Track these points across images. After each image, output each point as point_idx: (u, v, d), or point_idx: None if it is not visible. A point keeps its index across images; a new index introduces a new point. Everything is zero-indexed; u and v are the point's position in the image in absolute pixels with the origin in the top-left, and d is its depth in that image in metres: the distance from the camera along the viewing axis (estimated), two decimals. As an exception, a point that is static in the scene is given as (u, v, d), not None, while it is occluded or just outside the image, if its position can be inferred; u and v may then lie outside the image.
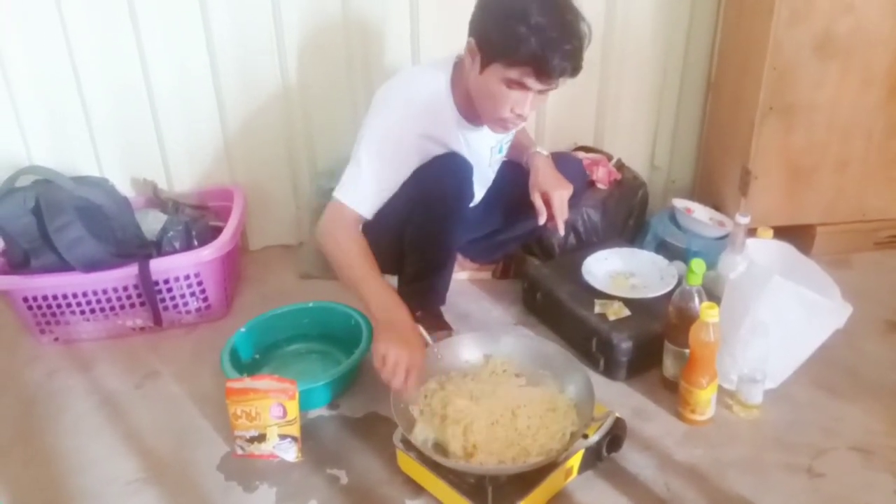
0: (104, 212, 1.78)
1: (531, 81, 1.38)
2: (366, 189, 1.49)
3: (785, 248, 1.59)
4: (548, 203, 1.62)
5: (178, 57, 1.96)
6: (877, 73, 1.87)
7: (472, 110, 1.55)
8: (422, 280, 1.66)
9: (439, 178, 1.53)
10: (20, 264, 1.75)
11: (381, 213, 1.53)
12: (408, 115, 1.51)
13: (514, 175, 1.74)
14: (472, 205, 1.74)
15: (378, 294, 1.41)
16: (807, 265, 1.53)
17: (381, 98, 1.54)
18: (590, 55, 2.03)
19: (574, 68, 1.39)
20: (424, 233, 1.57)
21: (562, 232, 1.64)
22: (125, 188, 2.05)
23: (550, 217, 1.62)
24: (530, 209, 1.63)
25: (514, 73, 1.38)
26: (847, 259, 2.03)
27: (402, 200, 1.52)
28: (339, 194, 1.50)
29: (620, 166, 2.16)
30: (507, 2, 1.38)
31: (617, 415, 1.36)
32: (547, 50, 1.33)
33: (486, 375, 1.46)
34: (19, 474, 1.44)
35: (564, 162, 1.77)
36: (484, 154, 1.69)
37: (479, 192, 1.79)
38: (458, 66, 1.54)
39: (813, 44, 1.81)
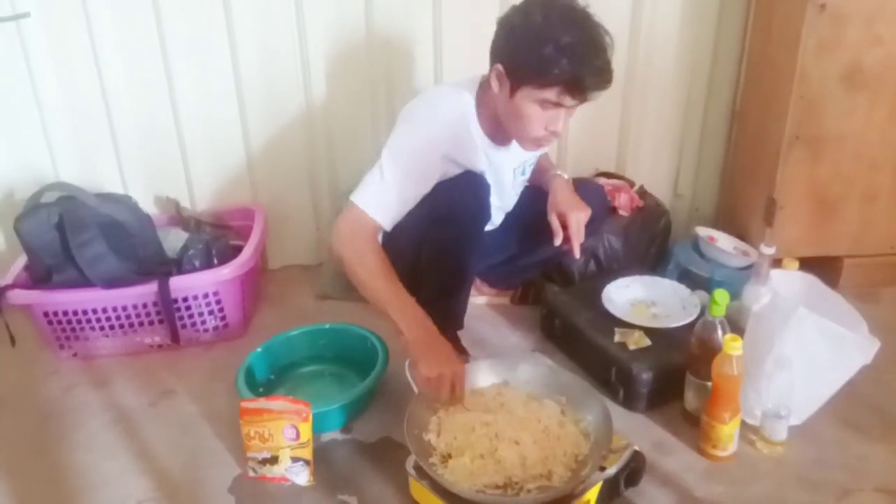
0: (127, 229, 1.80)
1: (566, 100, 1.41)
2: (387, 199, 1.47)
3: (810, 281, 1.55)
4: (564, 225, 1.61)
5: (204, 77, 1.98)
6: (906, 105, 1.84)
7: (497, 130, 1.56)
8: (438, 302, 1.64)
9: (457, 197, 1.52)
10: (42, 279, 1.77)
11: (398, 233, 1.52)
12: (432, 135, 1.51)
13: (534, 200, 1.73)
14: (491, 228, 1.73)
15: (406, 312, 1.41)
16: (833, 298, 1.49)
17: (406, 114, 1.55)
18: (613, 81, 2.06)
19: (606, 81, 1.41)
20: (441, 253, 1.56)
21: (577, 255, 1.62)
22: (148, 206, 2.07)
23: (566, 239, 1.61)
24: (549, 235, 1.62)
25: (548, 94, 1.40)
26: (875, 293, 1.99)
27: (419, 220, 1.51)
28: (359, 201, 1.47)
29: (643, 193, 2.14)
30: (532, 25, 1.39)
31: (636, 447, 1.33)
32: (579, 68, 1.36)
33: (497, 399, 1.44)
34: (32, 490, 1.44)
35: (586, 188, 1.76)
36: (507, 175, 1.68)
37: (500, 215, 1.79)
38: (484, 86, 1.55)
39: (841, 74, 1.79)
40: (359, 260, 1.44)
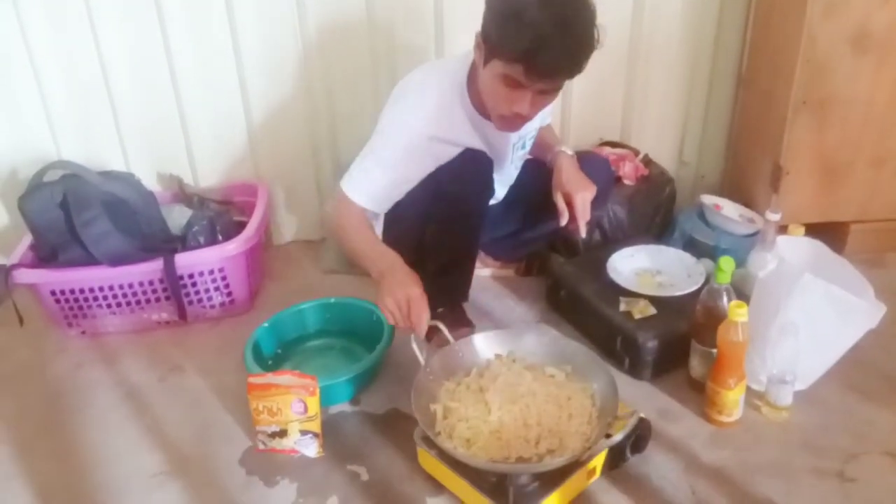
0: (130, 206, 1.80)
1: (523, 79, 1.34)
2: (374, 186, 1.49)
3: (817, 246, 1.55)
4: (570, 204, 1.60)
5: (204, 53, 1.96)
6: (915, 68, 1.81)
7: None
8: (443, 277, 1.65)
9: (460, 174, 1.51)
10: (48, 258, 1.77)
11: (403, 210, 1.53)
12: (419, 119, 1.50)
13: (537, 174, 1.72)
14: (493, 202, 1.72)
15: (374, 252, 1.43)
16: (839, 264, 1.49)
17: (396, 96, 1.55)
18: (617, 48, 2.04)
19: (568, 68, 1.34)
20: (445, 229, 1.56)
21: (583, 234, 1.61)
22: (151, 183, 2.07)
23: (572, 219, 1.60)
24: (553, 209, 1.61)
25: (511, 71, 1.34)
26: (881, 258, 1.98)
27: (423, 197, 1.51)
28: (347, 189, 1.49)
29: (648, 162, 2.12)
30: None
31: (641, 415, 1.33)
32: (539, 48, 1.28)
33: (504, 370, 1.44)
34: (44, 466, 1.46)
35: (591, 162, 1.75)
36: (506, 150, 1.67)
37: (502, 189, 1.78)
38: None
39: (848, 38, 1.76)
40: (342, 229, 1.49)
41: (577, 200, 1.59)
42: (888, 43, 1.77)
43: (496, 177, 1.64)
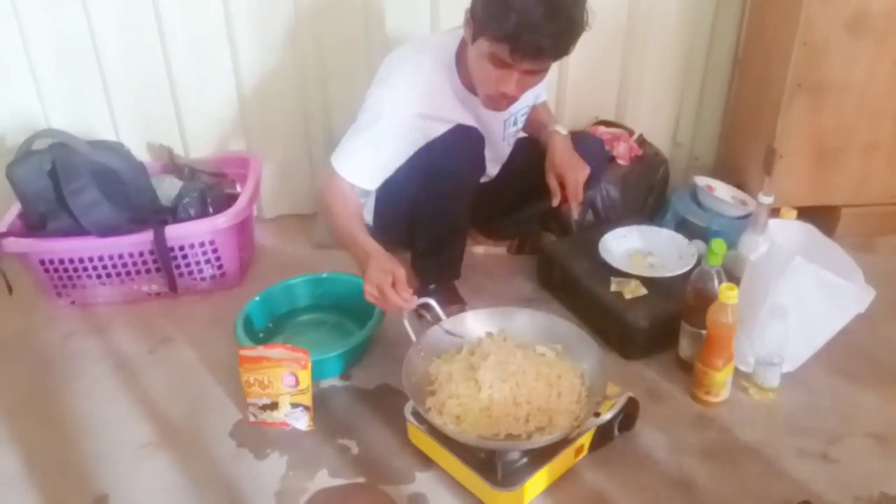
0: (120, 176, 1.78)
1: (508, 59, 1.34)
2: (363, 163, 1.48)
3: (808, 230, 1.55)
4: (563, 185, 1.59)
5: (195, 22, 1.93)
6: (911, 53, 1.81)
7: None
8: (434, 254, 1.65)
9: (450, 151, 1.51)
10: (37, 227, 1.76)
11: (393, 186, 1.52)
12: (406, 95, 1.49)
13: (531, 154, 1.71)
14: (486, 180, 1.72)
15: (356, 245, 1.40)
16: (830, 247, 1.50)
17: (382, 73, 1.53)
18: (614, 28, 2.02)
19: (553, 50, 1.34)
20: (435, 206, 1.56)
21: (576, 215, 1.62)
22: (141, 153, 2.05)
23: (564, 199, 1.60)
24: (546, 188, 1.61)
25: (494, 49, 1.35)
26: (871, 242, 1.99)
27: (414, 173, 1.51)
28: (337, 165, 1.48)
29: (642, 142, 2.12)
30: None
31: (630, 394, 1.35)
32: (523, 27, 1.28)
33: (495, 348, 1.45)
34: (33, 435, 1.46)
35: (584, 142, 1.74)
36: (497, 127, 1.66)
37: (494, 167, 1.77)
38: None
39: (846, 21, 1.76)
40: (329, 210, 1.48)
41: (570, 181, 1.59)
42: (886, 27, 1.77)
43: (488, 154, 1.63)
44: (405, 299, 1.30)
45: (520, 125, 1.74)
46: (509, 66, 1.36)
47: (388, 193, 1.57)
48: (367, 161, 1.48)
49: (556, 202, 1.60)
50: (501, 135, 1.69)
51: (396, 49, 1.57)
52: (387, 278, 1.29)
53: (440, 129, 1.53)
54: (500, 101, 1.47)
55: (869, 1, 1.73)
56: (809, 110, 1.87)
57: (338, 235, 1.47)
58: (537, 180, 1.65)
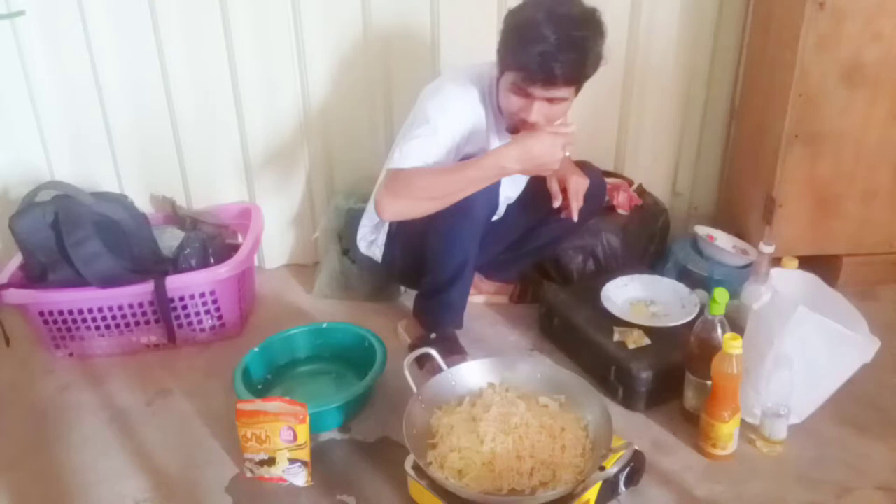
0: (122, 227, 1.79)
1: (524, 86, 1.44)
2: (427, 157, 1.50)
3: (810, 279, 1.55)
4: (564, 189, 1.63)
5: (200, 75, 1.97)
6: (906, 102, 1.83)
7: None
8: (439, 294, 1.64)
9: None
10: (38, 278, 1.75)
11: (407, 223, 1.56)
12: (464, 111, 1.57)
13: (534, 190, 1.74)
14: (496, 219, 1.73)
15: (479, 167, 1.46)
16: (833, 297, 1.49)
17: (432, 89, 1.60)
18: (611, 79, 2.04)
19: (566, 77, 1.43)
20: (446, 240, 1.57)
21: (575, 218, 1.65)
22: (144, 204, 2.06)
23: (565, 203, 1.63)
24: (549, 202, 1.63)
25: (514, 78, 1.46)
26: (874, 291, 1.98)
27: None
28: (402, 163, 1.49)
29: (641, 192, 2.13)
30: (523, 14, 1.46)
31: (636, 447, 1.32)
32: (538, 55, 1.39)
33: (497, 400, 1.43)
34: (28, 488, 1.43)
35: (584, 167, 1.78)
36: None
37: (503, 206, 1.78)
38: None
39: (840, 71, 1.78)
40: (411, 191, 1.49)
41: (571, 184, 1.64)
42: (880, 77, 1.79)
43: (506, 193, 1.67)
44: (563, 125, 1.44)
45: None
46: (528, 94, 1.46)
47: (400, 225, 1.62)
48: (430, 156, 1.50)
49: (556, 204, 1.63)
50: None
51: (440, 77, 1.65)
52: (534, 132, 1.43)
53: (473, 154, 1.57)
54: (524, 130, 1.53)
55: (862, 52, 1.76)
56: (807, 159, 1.88)
57: (445, 189, 1.48)
58: (538, 201, 1.70)
